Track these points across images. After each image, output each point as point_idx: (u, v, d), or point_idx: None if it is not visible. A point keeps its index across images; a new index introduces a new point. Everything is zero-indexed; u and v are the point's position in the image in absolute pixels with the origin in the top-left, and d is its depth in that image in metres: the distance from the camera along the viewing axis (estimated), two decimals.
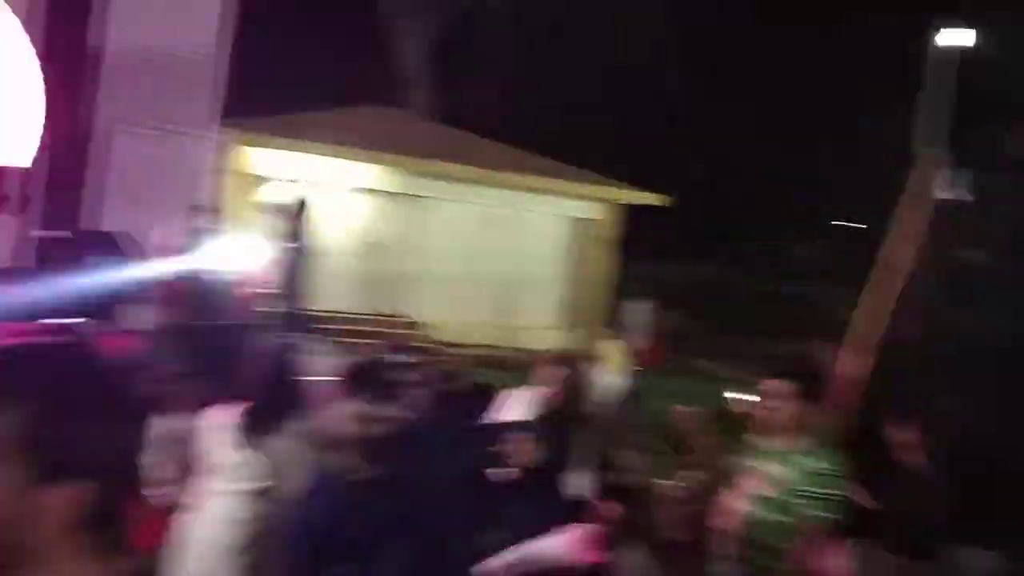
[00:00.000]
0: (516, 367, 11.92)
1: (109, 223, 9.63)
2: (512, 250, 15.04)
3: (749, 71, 23.08)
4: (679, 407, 4.02)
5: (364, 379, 2.85)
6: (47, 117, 9.65)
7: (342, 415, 2.74)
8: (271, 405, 3.29)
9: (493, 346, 13.87)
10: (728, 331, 16.55)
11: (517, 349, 13.31)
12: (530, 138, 16.24)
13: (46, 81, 9.76)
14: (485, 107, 18.57)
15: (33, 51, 9.85)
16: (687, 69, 21.99)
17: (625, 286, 15.67)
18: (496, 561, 3.21)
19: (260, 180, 13.32)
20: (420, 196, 14.94)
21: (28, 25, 9.48)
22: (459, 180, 14.77)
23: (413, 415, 3.02)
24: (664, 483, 3.90)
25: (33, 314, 5.43)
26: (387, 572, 2.68)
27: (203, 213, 9.15)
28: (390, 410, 2.77)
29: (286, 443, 3.04)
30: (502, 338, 14.24)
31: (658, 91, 22.16)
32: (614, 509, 3.39)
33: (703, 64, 22.31)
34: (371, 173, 14.41)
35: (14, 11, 9.62)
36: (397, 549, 2.67)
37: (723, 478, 3.71)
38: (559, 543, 3.27)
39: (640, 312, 14.45)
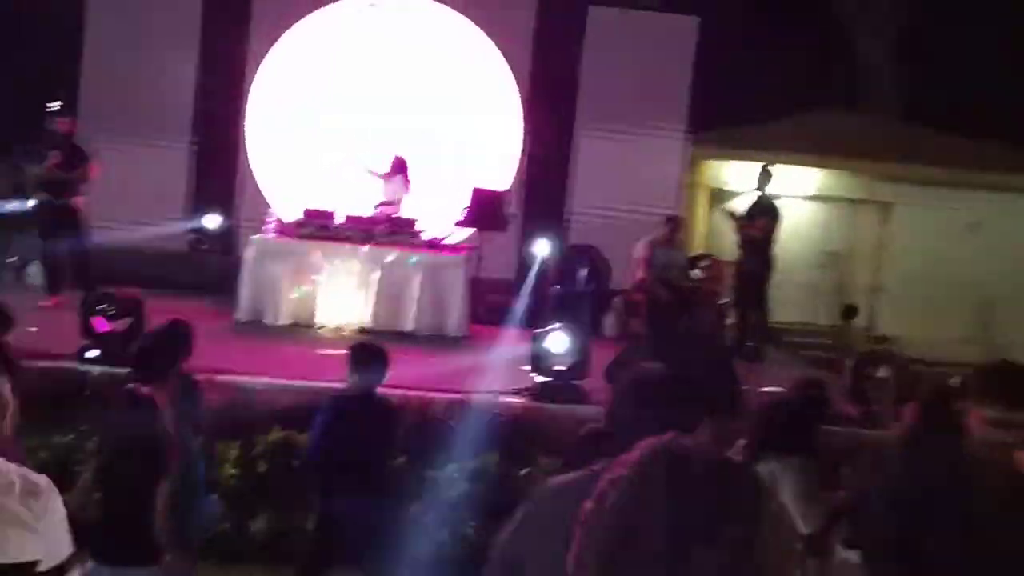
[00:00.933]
0: None
1: (579, 237, 10.43)
2: (994, 258, 13.53)
3: None
4: None
5: (1002, 381, 2.48)
6: (530, 141, 10.67)
7: (979, 421, 2.40)
8: (770, 426, 3.24)
9: (971, 365, 12.55)
10: None
11: None
12: (1014, 133, 14.46)
13: (530, 106, 10.76)
14: (957, 101, 16.90)
15: (514, 83, 10.94)
16: None
17: None
18: None
19: (721, 192, 13.54)
20: (884, 201, 14.11)
21: (516, 60, 10.61)
22: (929, 183, 13.68)
23: None
24: None
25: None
26: None
27: (672, 225, 9.48)
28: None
29: (789, 471, 2.99)
30: (982, 357, 12.83)
31: None
32: None
33: None
34: (831, 179, 13.93)
35: (505, 47, 10.78)
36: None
37: None
38: None
39: None
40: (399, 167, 9.31)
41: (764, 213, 8.79)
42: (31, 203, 8.44)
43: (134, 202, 10.05)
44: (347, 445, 4.25)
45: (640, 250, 9.41)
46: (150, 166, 10.43)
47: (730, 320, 9.42)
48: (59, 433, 5.46)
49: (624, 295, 9.73)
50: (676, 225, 9.50)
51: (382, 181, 9.34)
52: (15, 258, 9.63)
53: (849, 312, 12.85)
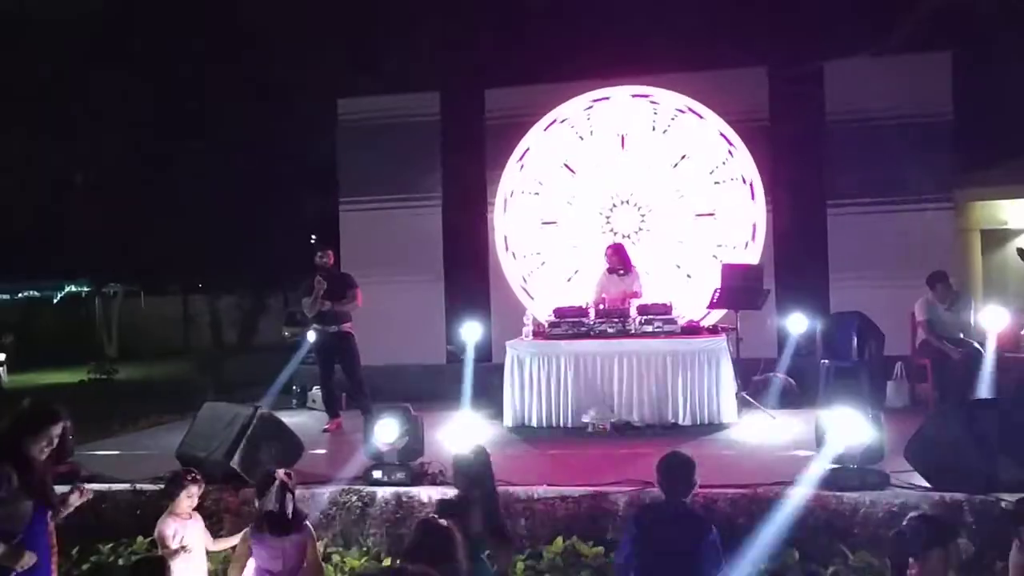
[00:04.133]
0: None
1: (842, 305, 9.72)
2: None
3: None
4: None
5: None
6: (778, 209, 10.17)
7: None
8: None
9: None
10: None
11: None
12: None
13: (773, 174, 10.27)
14: None
15: (750, 156, 10.51)
16: None
17: None
18: None
19: (997, 233, 12.30)
20: None
21: (754, 129, 10.24)
22: None
23: None
24: None
25: None
26: None
27: (938, 283, 8.65)
28: None
29: None
30: None
31: None
32: None
33: None
34: None
35: (739, 117, 10.40)
36: None
37: None
38: None
39: None
40: (623, 256, 9.21)
41: None
42: (308, 333, 9.03)
43: (397, 324, 10.61)
44: (657, 560, 4.05)
45: (919, 311, 8.62)
46: (407, 285, 11.05)
47: None
48: (353, 553, 5.65)
49: (906, 360, 8.91)
50: (941, 281, 8.61)
51: (616, 276, 9.21)
52: (296, 387, 10.34)
53: None
